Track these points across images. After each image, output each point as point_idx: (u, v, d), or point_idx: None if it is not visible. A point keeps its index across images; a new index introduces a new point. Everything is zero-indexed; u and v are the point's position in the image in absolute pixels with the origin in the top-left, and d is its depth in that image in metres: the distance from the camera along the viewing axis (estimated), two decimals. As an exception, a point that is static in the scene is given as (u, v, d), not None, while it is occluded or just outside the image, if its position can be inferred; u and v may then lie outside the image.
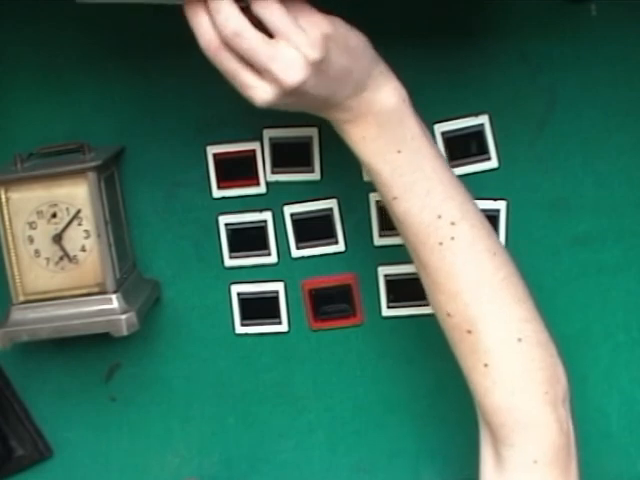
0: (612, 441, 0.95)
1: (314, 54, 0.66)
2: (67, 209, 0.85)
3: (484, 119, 0.90)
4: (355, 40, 0.72)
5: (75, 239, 0.86)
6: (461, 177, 0.90)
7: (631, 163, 0.90)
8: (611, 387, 0.95)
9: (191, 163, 0.93)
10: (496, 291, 0.74)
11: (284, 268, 0.94)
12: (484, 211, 0.91)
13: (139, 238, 0.94)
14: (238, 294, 0.95)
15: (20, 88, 0.92)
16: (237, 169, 0.93)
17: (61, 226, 0.85)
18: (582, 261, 0.92)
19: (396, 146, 0.72)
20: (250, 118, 0.91)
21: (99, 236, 0.85)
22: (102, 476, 0.99)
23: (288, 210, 0.93)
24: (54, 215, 0.85)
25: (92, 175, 0.85)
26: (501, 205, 0.91)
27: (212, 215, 0.94)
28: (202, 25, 0.67)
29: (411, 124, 0.73)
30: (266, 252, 0.94)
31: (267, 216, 0.93)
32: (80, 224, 0.85)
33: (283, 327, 0.95)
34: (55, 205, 0.85)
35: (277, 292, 0.95)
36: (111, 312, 0.86)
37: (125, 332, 0.85)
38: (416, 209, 0.73)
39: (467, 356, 0.76)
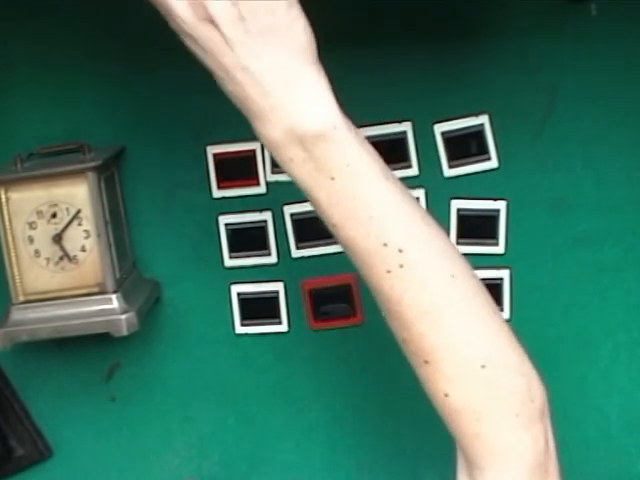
0: (612, 441, 0.95)
1: None
2: (67, 209, 0.85)
3: (484, 119, 0.90)
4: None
5: (75, 239, 0.86)
6: (461, 177, 0.91)
7: (631, 163, 0.90)
8: (611, 387, 0.95)
9: (191, 163, 0.93)
10: (454, 316, 0.67)
11: (284, 268, 0.94)
12: (484, 211, 0.92)
13: (139, 238, 0.94)
14: (238, 294, 0.95)
15: (20, 88, 0.92)
16: (237, 169, 0.93)
17: (61, 226, 0.85)
18: (582, 261, 0.92)
19: (329, 173, 0.65)
20: (250, 118, 0.91)
21: (99, 236, 0.85)
22: (102, 476, 0.99)
23: (288, 210, 0.93)
24: (54, 215, 0.85)
25: (92, 175, 0.85)
26: (501, 205, 0.91)
27: (212, 215, 0.94)
28: None
29: (346, 150, 0.65)
30: (266, 252, 0.94)
31: (267, 216, 0.93)
32: (80, 224, 0.85)
33: (283, 327, 0.95)
34: (55, 205, 0.85)
35: (277, 292, 0.95)
36: (111, 312, 0.86)
37: (125, 332, 0.85)
38: (360, 236, 0.65)
39: (427, 383, 0.70)
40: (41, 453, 0.98)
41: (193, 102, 0.91)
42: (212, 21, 0.63)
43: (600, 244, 0.92)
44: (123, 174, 0.93)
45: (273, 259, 0.94)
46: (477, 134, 0.90)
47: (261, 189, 0.93)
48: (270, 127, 0.67)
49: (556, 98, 0.89)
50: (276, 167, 0.92)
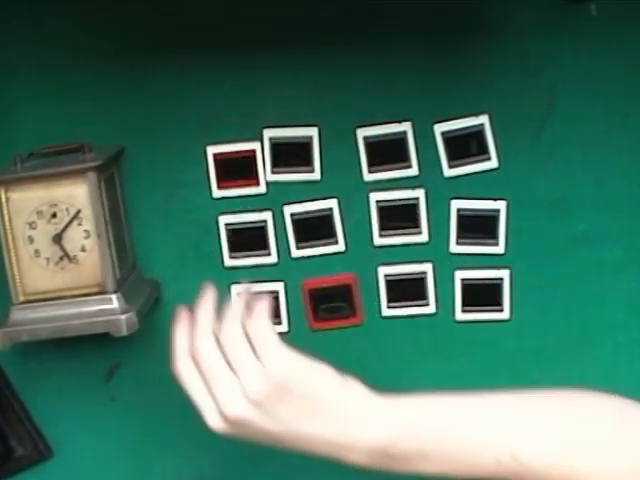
0: (612, 441, 0.95)
1: (254, 394, 0.67)
2: (67, 209, 0.85)
3: (484, 119, 0.90)
4: (322, 389, 0.70)
5: (75, 239, 0.86)
6: (461, 177, 0.91)
7: (631, 163, 0.90)
8: (611, 387, 0.95)
9: (191, 163, 0.93)
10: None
11: (284, 268, 0.94)
12: (484, 211, 0.92)
13: (139, 238, 0.94)
14: (238, 294, 0.95)
15: (20, 87, 0.92)
16: (237, 169, 0.93)
17: (61, 226, 0.85)
18: (582, 261, 0.92)
19: (420, 460, 0.69)
20: (250, 118, 0.91)
21: (99, 236, 0.85)
22: (102, 476, 0.99)
23: (288, 210, 0.93)
24: (54, 215, 0.85)
25: (92, 175, 0.84)
26: (501, 205, 0.91)
27: (212, 215, 0.94)
28: (181, 335, 0.73)
29: (424, 449, 0.69)
30: (266, 252, 0.94)
31: (267, 216, 0.93)
32: (80, 224, 0.85)
33: (283, 327, 0.95)
34: (55, 205, 0.85)
35: (277, 292, 0.94)
36: (111, 312, 0.86)
37: (125, 332, 0.85)
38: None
39: None
40: (41, 453, 0.98)
41: (193, 102, 0.91)
42: None
43: (600, 244, 0.92)
44: (123, 174, 0.93)
45: (273, 259, 0.94)
46: (477, 134, 0.90)
47: (261, 189, 0.93)
48: (333, 446, 0.71)
49: (556, 98, 0.89)
50: (276, 167, 0.93)
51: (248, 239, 0.94)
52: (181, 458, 0.99)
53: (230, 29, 0.89)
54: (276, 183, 0.93)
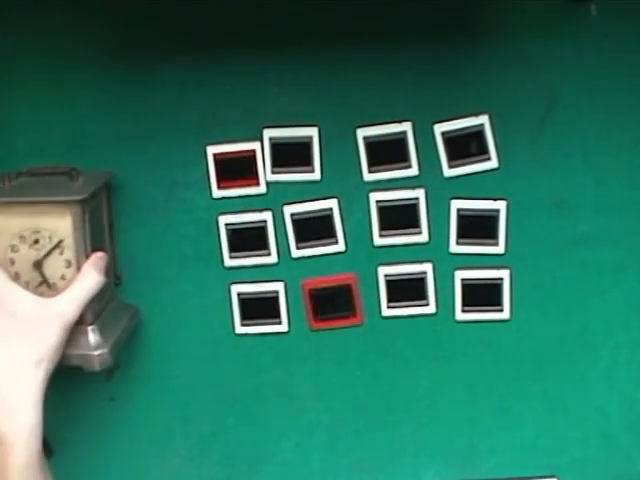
0: (612, 441, 0.95)
1: None
2: (50, 237, 0.83)
3: (484, 119, 0.90)
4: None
5: (55, 267, 0.84)
6: (461, 177, 0.91)
7: (631, 163, 0.90)
8: (611, 387, 0.95)
9: (191, 163, 0.93)
10: None
11: (284, 268, 0.94)
12: (484, 211, 0.92)
13: (139, 238, 0.94)
14: (238, 294, 0.95)
15: (19, 87, 0.92)
16: (237, 169, 0.93)
17: (42, 253, 0.84)
18: (582, 261, 0.92)
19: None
20: (250, 118, 0.91)
21: (79, 268, 0.84)
22: (102, 476, 0.99)
23: (288, 210, 0.93)
24: (36, 241, 0.83)
25: (76, 208, 0.83)
26: (501, 205, 0.91)
27: (212, 215, 0.94)
28: None
29: None
30: (266, 252, 0.94)
31: (267, 216, 0.93)
32: (62, 253, 0.84)
33: (283, 327, 0.95)
34: (38, 232, 0.83)
35: (277, 292, 0.95)
36: (86, 347, 0.85)
37: (97, 368, 0.84)
38: None
39: None
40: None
41: (193, 102, 0.91)
42: None
43: (600, 244, 0.92)
44: (123, 174, 0.93)
45: (273, 259, 0.94)
46: (477, 134, 0.90)
47: (261, 189, 0.93)
48: None
49: (556, 98, 0.89)
50: (276, 167, 0.93)
51: (248, 239, 0.94)
52: (181, 458, 0.99)
53: (230, 29, 0.89)
54: (276, 183, 0.93)
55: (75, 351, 0.84)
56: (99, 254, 0.85)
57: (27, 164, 0.89)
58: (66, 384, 0.98)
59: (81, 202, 0.83)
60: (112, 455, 0.99)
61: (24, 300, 0.81)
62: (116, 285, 0.93)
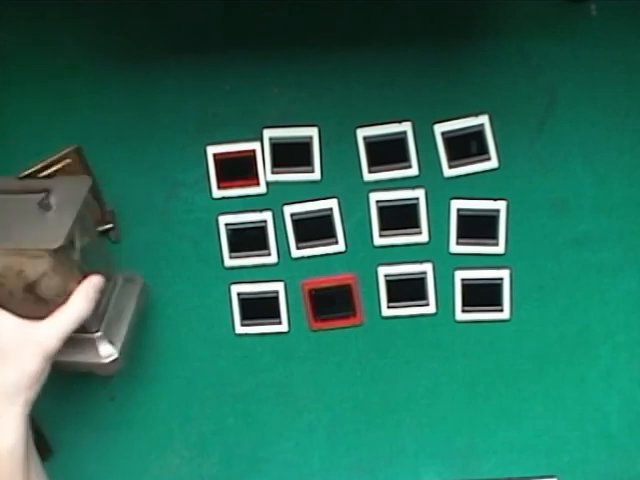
0: (612, 441, 0.95)
1: None
2: (35, 269, 0.79)
3: (484, 119, 0.90)
4: None
5: (49, 287, 0.80)
6: (461, 177, 0.91)
7: (631, 163, 0.90)
8: (611, 387, 0.95)
9: (191, 163, 0.93)
10: None
11: (284, 268, 0.94)
12: (484, 211, 0.92)
13: (139, 238, 0.94)
14: (238, 294, 0.95)
15: (19, 89, 0.92)
16: (237, 169, 0.93)
17: (31, 279, 0.79)
18: (582, 261, 0.92)
19: None
20: (250, 118, 0.91)
21: (70, 294, 0.80)
22: (102, 476, 0.99)
23: (288, 210, 0.93)
24: (21, 271, 0.79)
25: (52, 254, 0.77)
26: (501, 205, 0.91)
27: (212, 215, 0.94)
28: None
29: None
30: (266, 252, 0.94)
31: (267, 216, 0.93)
32: (51, 279, 0.79)
33: (283, 327, 0.95)
34: (21, 270, 0.79)
35: (277, 292, 0.95)
36: (96, 356, 0.84)
37: (113, 373, 0.84)
38: None
39: None
40: (41, 452, 0.97)
41: (193, 102, 0.91)
42: None
43: (600, 244, 0.92)
44: (123, 174, 0.93)
45: (273, 259, 0.94)
46: (477, 134, 0.90)
47: (261, 189, 0.93)
48: None
49: (556, 98, 0.89)
50: (276, 167, 0.93)
51: (248, 239, 0.94)
52: (181, 458, 0.99)
53: (230, 29, 0.89)
54: (276, 183, 0.93)
55: (86, 359, 0.83)
56: (94, 280, 0.81)
57: (27, 166, 0.89)
58: (66, 384, 0.98)
59: (55, 251, 0.77)
60: (112, 455, 0.99)
61: (6, 323, 0.78)
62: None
